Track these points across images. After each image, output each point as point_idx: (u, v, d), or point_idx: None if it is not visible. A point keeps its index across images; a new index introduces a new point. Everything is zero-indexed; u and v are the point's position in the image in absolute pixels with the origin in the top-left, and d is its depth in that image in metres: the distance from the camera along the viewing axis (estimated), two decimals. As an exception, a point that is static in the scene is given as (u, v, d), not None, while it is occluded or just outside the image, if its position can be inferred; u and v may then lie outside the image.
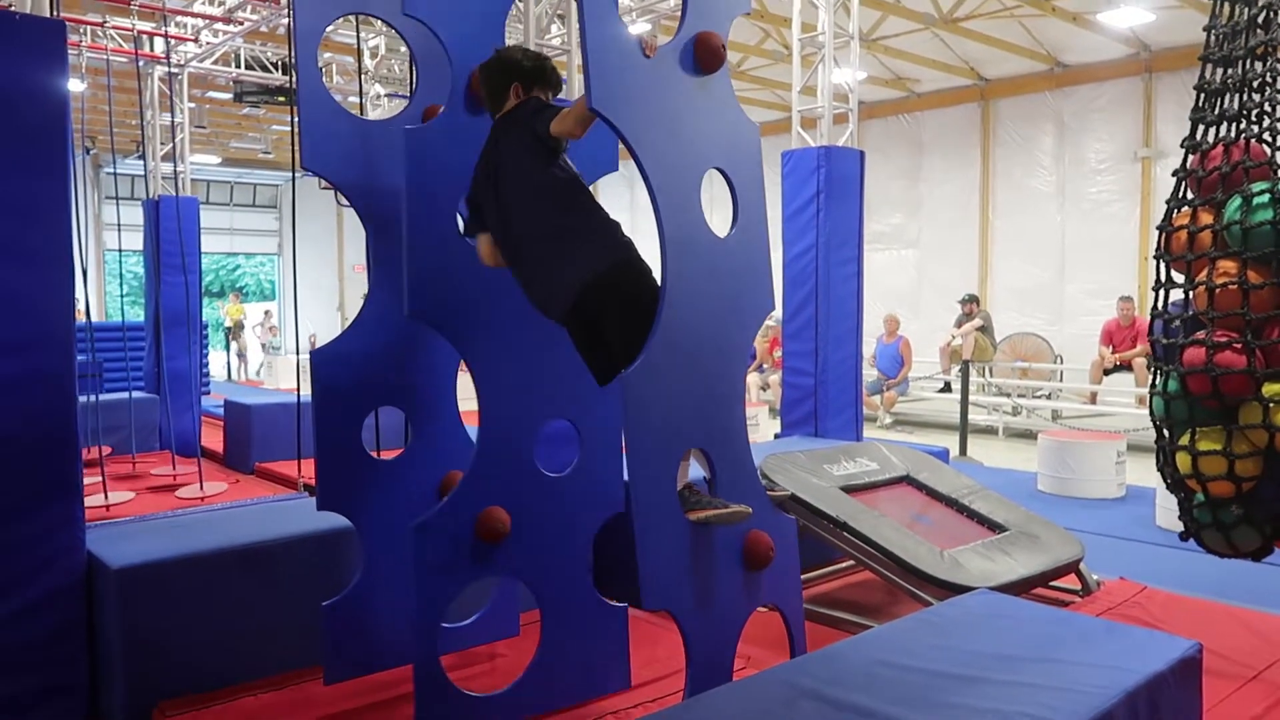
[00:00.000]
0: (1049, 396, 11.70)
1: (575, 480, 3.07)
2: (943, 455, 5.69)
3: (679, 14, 2.55)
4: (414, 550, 2.76)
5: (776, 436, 6.42)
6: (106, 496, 6.15)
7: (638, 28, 7.35)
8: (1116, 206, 12.86)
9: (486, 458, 2.90)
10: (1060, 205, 13.52)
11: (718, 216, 2.47)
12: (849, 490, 4.48)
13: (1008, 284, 14.13)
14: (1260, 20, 3.12)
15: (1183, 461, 3.23)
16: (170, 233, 8.39)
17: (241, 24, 8.70)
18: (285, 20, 7.86)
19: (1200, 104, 3.27)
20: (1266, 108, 3.12)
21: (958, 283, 14.02)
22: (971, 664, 2.22)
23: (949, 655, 2.28)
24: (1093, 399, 10.83)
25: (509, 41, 5.21)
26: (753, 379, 12.35)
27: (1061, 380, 12.39)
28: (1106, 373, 10.63)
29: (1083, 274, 13.17)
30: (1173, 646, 2.33)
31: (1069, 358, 12.61)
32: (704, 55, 2.50)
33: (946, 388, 11.91)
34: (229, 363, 19.66)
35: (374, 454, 3.38)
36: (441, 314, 2.84)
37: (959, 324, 12.49)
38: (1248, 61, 3.13)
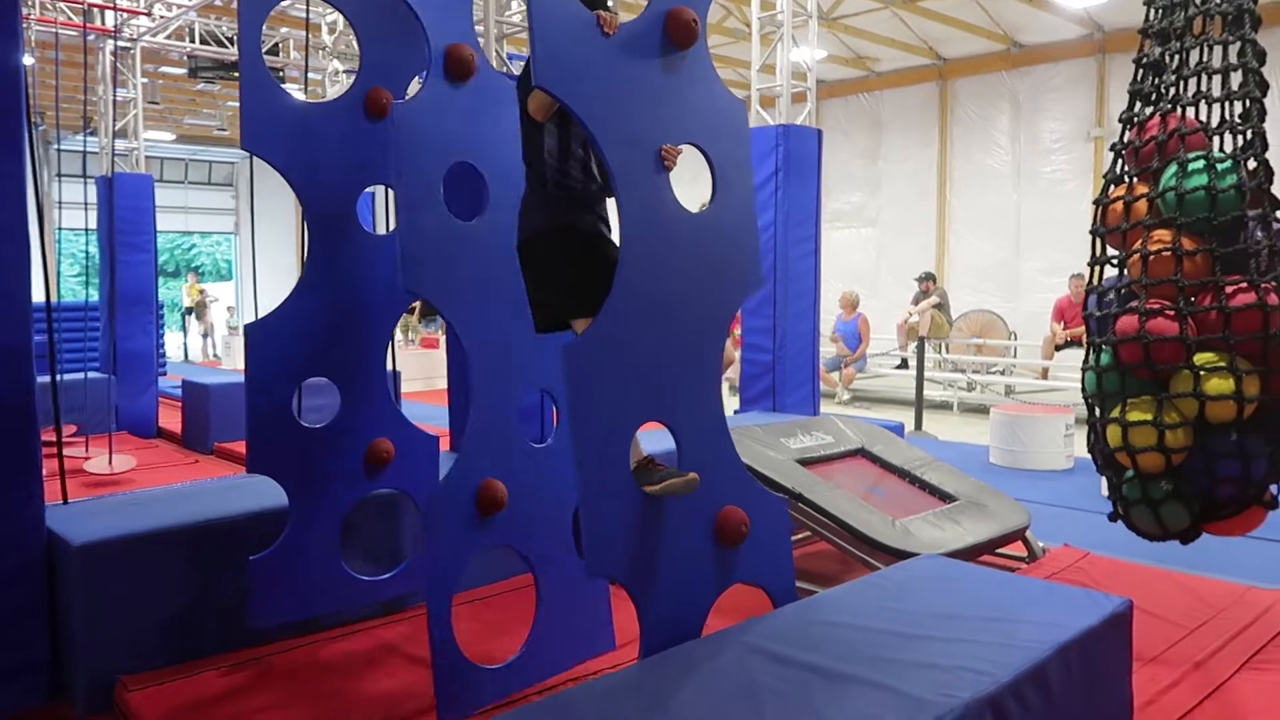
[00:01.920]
0: (1003, 372, 11.94)
1: (558, 450, 3.11)
2: (898, 429, 5.82)
3: None
4: (429, 523, 2.80)
5: (736, 412, 6.52)
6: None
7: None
8: (1070, 185, 13.09)
9: (479, 431, 2.95)
10: (1016, 184, 13.74)
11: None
12: (805, 463, 4.58)
13: (965, 262, 14.34)
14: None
15: (1113, 434, 3.24)
16: (124, 211, 8.28)
17: (195, -2, 8.56)
18: (240, -6, 7.74)
19: (1139, 78, 3.34)
20: (1201, 80, 3.18)
21: (916, 261, 14.21)
22: (915, 623, 2.32)
23: (895, 615, 2.38)
24: (1044, 374, 11.07)
25: (517, 20, 5.20)
26: (714, 356, 12.44)
27: (1016, 356, 12.63)
28: (1058, 348, 10.86)
29: (1038, 252, 13.41)
30: (1104, 603, 2.44)
31: (1024, 334, 12.86)
32: (675, 31, 2.48)
33: (904, 364, 12.11)
34: (185, 343, 19.42)
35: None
36: (436, 289, 2.88)
37: (916, 301, 12.68)
38: (1185, 34, 3.20)
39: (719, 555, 2.51)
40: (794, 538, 4.84)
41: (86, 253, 8.17)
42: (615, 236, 2.70)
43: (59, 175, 7.12)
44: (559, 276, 2.69)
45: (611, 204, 2.84)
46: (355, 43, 9.85)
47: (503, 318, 3.03)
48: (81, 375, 7.43)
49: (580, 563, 3.05)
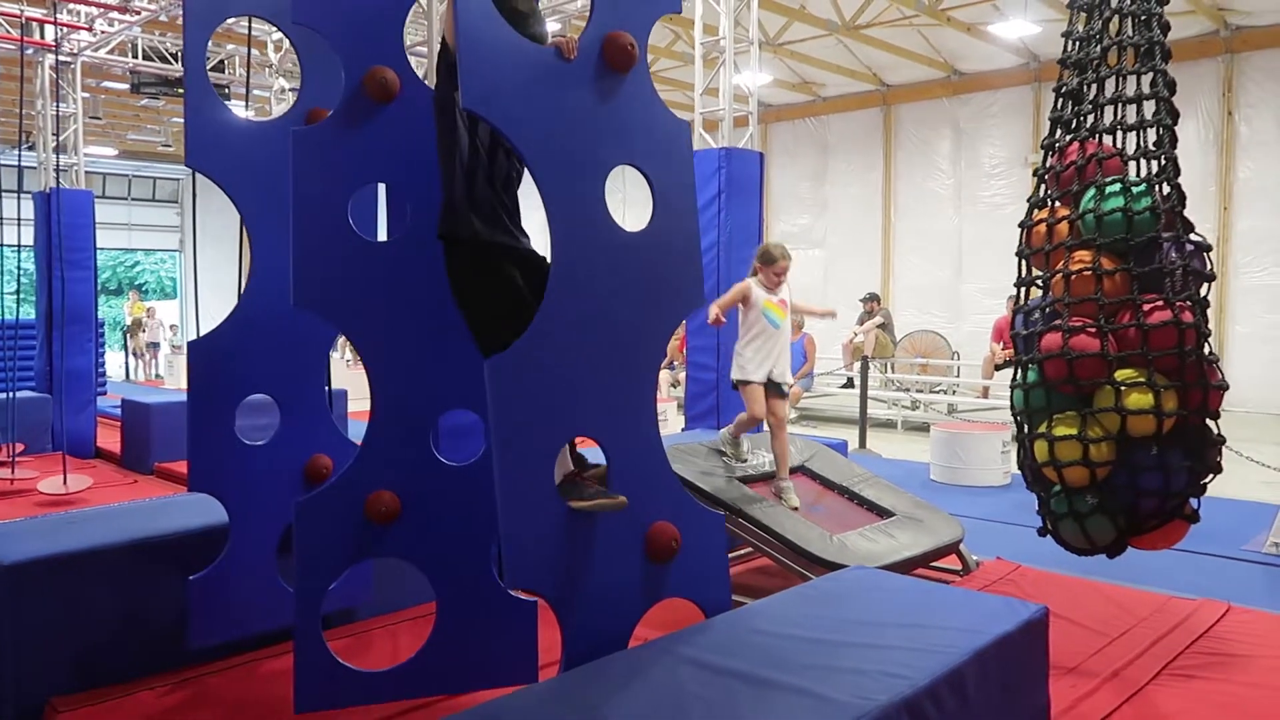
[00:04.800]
0: (946, 391, 12.19)
1: (481, 470, 3.08)
2: (841, 447, 5.92)
3: (587, 14, 2.58)
4: (296, 528, 2.82)
5: (682, 430, 6.59)
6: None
7: (546, 28, 7.42)
8: (1010, 209, 13.45)
9: (377, 443, 2.94)
10: (957, 207, 14.10)
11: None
12: (747, 480, 4.65)
13: (908, 283, 14.66)
14: (1112, 28, 3.37)
15: (1040, 450, 3.35)
16: (62, 226, 8.14)
17: (139, 13, 8.48)
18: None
19: (1059, 106, 3.50)
20: (1116, 109, 3.34)
21: (862, 281, 14.48)
22: (840, 630, 2.39)
23: (821, 623, 2.44)
24: (985, 393, 11.32)
25: (408, 40, 5.24)
26: (664, 376, 12.56)
27: (959, 375, 12.90)
28: (998, 368, 11.11)
29: (978, 273, 13.76)
30: (1021, 610, 2.53)
31: (966, 354, 13.15)
32: (613, 55, 2.51)
33: (849, 383, 12.29)
34: (127, 363, 19.02)
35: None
36: (328, 305, 2.90)
37: (861, 321, 12.91)
38: (1100, 65, 3.36)
39: (648, 571, 2.53)
40: (736, 553, 4.93)
41: (53, 268, 7.94)
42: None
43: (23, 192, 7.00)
44: (478, 302, 2.61)
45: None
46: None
47: (416, 336, 3.00)
48: (11, 395, 7.27)
49: (497, 585, 3.08)
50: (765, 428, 4.83)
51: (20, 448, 7.33)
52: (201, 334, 3.45)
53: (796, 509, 4.49)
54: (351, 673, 2.95)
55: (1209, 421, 3.31)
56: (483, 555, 3.11)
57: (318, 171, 2.84)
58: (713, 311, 4.69)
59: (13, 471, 6.76)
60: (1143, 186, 3.27)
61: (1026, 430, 3.47)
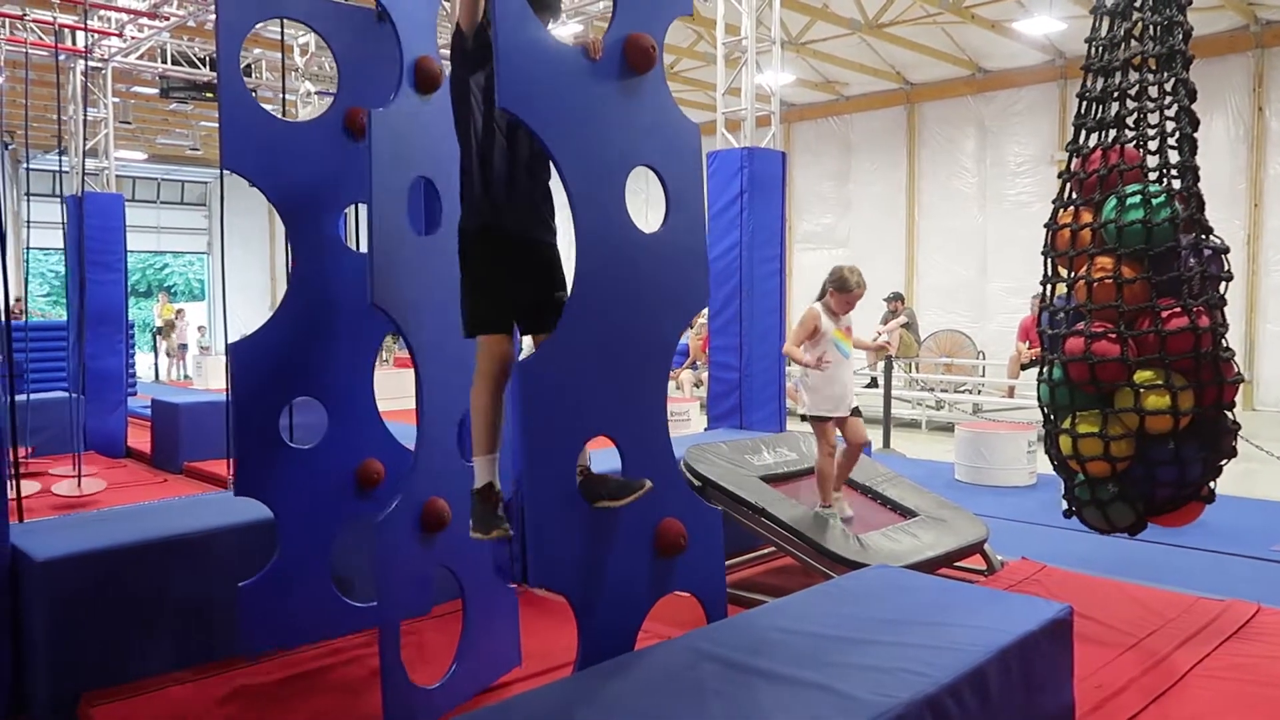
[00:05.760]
0: (971, 391, 12.10)
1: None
2: (864, 447, 5.90)
3: (610, 16, 2.60)
4: (378, 547, 2.79)
5: (704, 430, 6.59)
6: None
7: (568, 29, 7.46)
8: (1035, 207, 13.34)
9: (429, 449, 2.96)
10: (982, 206, 13.99)
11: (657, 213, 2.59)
12: (769, 479, 4.65)
13: (932, 282, 14.56)
14: (1135, 34, 3.40)
15: (1064, 444, 3.51)
16: (93, 230, 8.27)
17: (167, 19, 8.60)
18: (214, 16, 7.79)
19: (1082, 111, 3.55)
20: (1139, 115, 3.38)
21: (885, 280, 14.37)
22: (862, 628, 2.39)
23: (843, 621, 2.45)
24: (1010, 393, 11.23)
25: (438, 41, 5.29)
26: (687, 375, 12.56)
27: (984, 375, 12.81)
28: (1023, 367, 11.02)
29: (1004, 272, 13.65)
30: (1045, 609, 2.53)
31: (991, 354, 13.05)
32: (634, 56, 2.53)
33: (873, 383, 12.23)
34: (156, 364, 19.26)
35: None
36: (400, 305, 2.89)
37: (884, 321, 12.84)
38: (1124, 72, 3.40)
39: (657, 565, 2.56)
40: (759, 552, 4.93)
41: (64, 271, 8.10)
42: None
43: (28, 194, 7.13)
44: (484, 281, 2.63)
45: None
46: (327, 64, 9.90)
47: (452, 335, 2.97)
48: (48, 395, 7.38)
49: (495, 578, 3.04)
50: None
51: (29, 450, 7.41)
52: (230, 335, 3.46)
53: (850, 519, 4.40)
54: (422, 691, 2.96)
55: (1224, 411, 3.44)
56: (488, 550, 3.12)
57: (393, 157, 2.83)
58: (806, 359, 4.37)
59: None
60: (1162, 197, 3.35)
61: (1053, 423, 3.62)
